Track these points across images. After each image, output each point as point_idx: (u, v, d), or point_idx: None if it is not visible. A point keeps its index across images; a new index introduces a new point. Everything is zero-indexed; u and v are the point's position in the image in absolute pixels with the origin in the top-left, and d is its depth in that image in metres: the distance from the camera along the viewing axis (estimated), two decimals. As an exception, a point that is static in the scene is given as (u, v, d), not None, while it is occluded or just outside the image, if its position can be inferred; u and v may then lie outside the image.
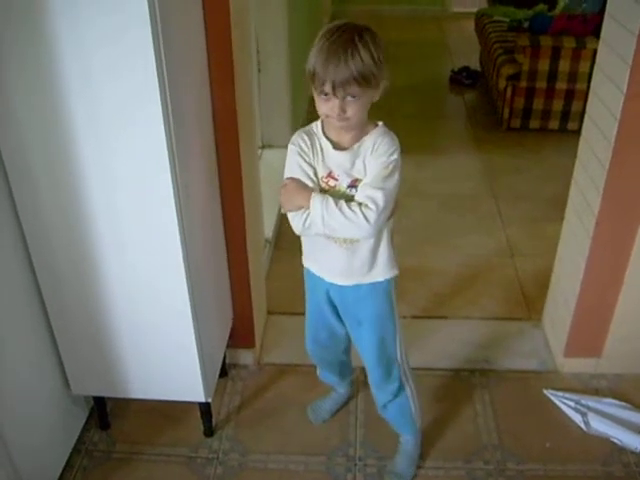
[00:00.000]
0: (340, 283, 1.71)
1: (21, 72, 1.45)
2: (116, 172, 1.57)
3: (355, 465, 2.02)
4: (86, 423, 2.17)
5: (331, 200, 1.51)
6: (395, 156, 1.54)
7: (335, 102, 1.44)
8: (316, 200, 1.51)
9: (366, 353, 1.84)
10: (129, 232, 1.66)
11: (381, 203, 1.50)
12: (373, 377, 1.88)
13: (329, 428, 2.14)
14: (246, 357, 2.38)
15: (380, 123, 1.59)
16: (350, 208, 1.50)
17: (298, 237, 1.67)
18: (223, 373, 2.33)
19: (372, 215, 1.50)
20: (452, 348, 2.45)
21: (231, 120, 1.91)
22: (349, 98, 1.44)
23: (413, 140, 3.97)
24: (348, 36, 1.42)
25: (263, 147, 3.76)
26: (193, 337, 1.82)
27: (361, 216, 1.49)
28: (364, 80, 1.42)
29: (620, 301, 2.15)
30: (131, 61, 1.42)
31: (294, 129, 3.53)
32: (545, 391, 2.24)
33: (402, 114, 4.48)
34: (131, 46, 1.40)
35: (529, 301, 2.66)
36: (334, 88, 1.42)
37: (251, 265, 2.17)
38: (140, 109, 1.48)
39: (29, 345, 1.84)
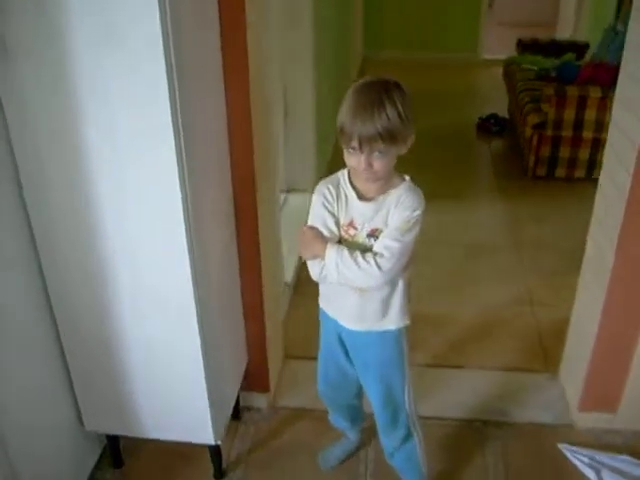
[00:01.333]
0: (352, 328, 1.73)
1: (39, 78, 1.49)
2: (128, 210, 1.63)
3: (362, 516, 2.01)
4: (99, 461, 2.19)
5: (346, 251, 1.55)
6: (418, 212, 1.57)
7: (361, 157, 1.49)
8: (331, 250, 1.56)
9: (373, 398, 1.86)
10: (143, 266, 1.71)
11: (396, 253, 1.54)
12: (380, 422, 1.90)
13: (337, 476, 2.14)
14: (260, 400, 2.39)
15: (407, 177, 1.63)
16: (364, 258, 1.54)
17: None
18: (236, 415, 2.35)
19: (385, 265, 1.53)
20: (466, 398, 2.43)
21: (248, 165, 1.96)
22: (375, 154, 1.49)
23: (438, 186, 4.03)
24: (376, 93, 1.47)
25: (288, 191, 3.81)
26: (203, 381, 1.84)
27: (374, 266, 1.53)
28: (390, 137, 1.46)
29: (636, 357, 2.12)
30: (147, 95, 1.48)
31: (319, 174, 3.65)
32: (559, 445, 2.21)
33: (428, 160, 4.50)
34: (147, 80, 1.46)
35: (547, 352, 2.64)
36: (361, 144, 1.46)
37: (267, 309, 2.20)
38: (155, 149, 1.53)
39: (44, 379, 1.88)
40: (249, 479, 2.14)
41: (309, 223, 1.65)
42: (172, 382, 1.88)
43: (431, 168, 4.41)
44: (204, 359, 1.81)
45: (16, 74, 1.48)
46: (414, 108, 1.50)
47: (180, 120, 1.51)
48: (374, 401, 1.86)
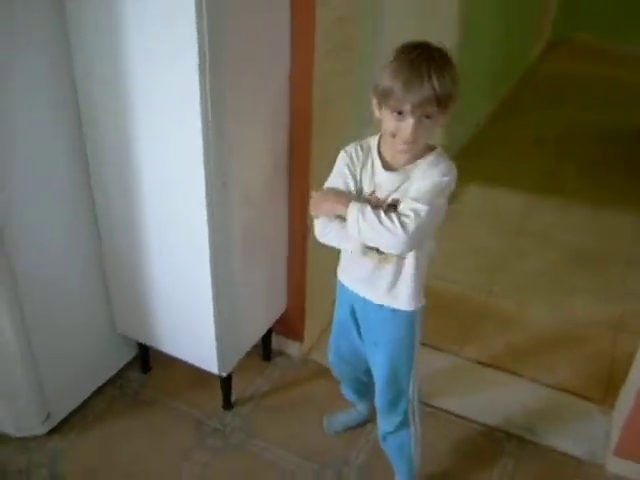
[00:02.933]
0: (362, 294, 1.69)
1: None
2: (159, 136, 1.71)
3: (343, 485, 1.99)
4: (131, 363, 2.35)
5: (369, 207, 1.48)
6: (447, 178, 1.48)
7: (409, 122, 1.41)
8: (354, 205, 1.50)
9: (377, 376, 1.82)
10: (170, 189, 1.78)
11: (424, 216, 1.44)
12: (380, 402, 1.85)
13: (336, 441, 2.13)
14: (292, 348, 2.42)
15: (438, 147, 1.54)
16: (389, 217, 1.46)
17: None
18: (267, 357, 2.40)
19: (410, 226, 1.44)
20: (502, 406, 2.30)
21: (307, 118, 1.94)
22: (424, 119, 1.42)
23: (575, 185, 3.77)
24: (429, 55, 1.40)
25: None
26: (211, 312, 1.91)
27: (398, 226, 1.44)
28: (445, 100, 1.40)
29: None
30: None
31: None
32: (576, 482, 2.03)
33: (579, 156, 4.24)
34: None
35: (611, 384, 2.40)
36: (413, 107, 1.39)
37: (311, 257, 2.18)
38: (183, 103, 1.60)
39: (85, 279, 2.06)
40: (252, 418, 2.19)
41: (328, 183, 1.61)
42: (187, 306, 1.97)
43: (580, 163, 4.12)
44: (214, 292, 1.87)
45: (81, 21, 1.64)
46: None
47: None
48: (378, 380, 1.81)
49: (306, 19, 1.81)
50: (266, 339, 2.36)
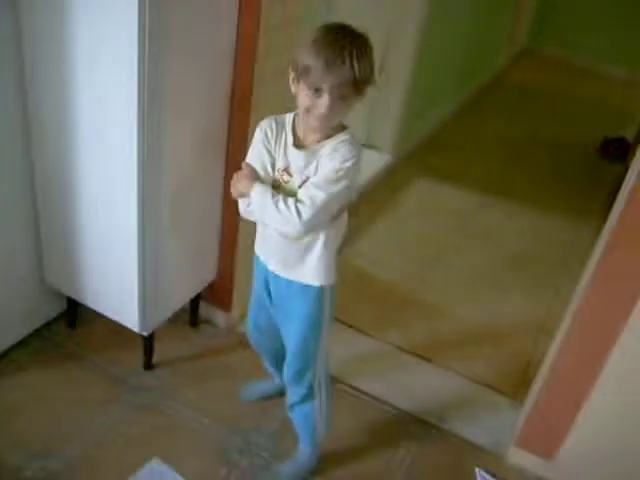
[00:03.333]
0: (275, 270, 1.73)
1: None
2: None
3: (249, 450, 2.04)
4: (60, 317, 2.38)
5: (269, 192, 1.54)
6: (348, 164, 1.52)
7: (325, 99, 1.45)
8: (257, 191, 1.55)
9: (287, 347, 1.87)
10: (104, 141, 1.82)
11: (319, 203, 1.50)
12: (287, 373, 1.90)
13: (249, 408, 2.19)
14: (219, 317, 2.47)
15: (348, 129, 1.59)
16: (286, 203, 1.51)
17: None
18: (194, 324, 2.44)
19: (306, 213, 1.50)
20: (415, 391, 2.37)
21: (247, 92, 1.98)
22: (339, 99, 1.46)
23: (524, 191, 3.86)
24: (351, 38, 1.44)
25: (364, 145, 3.77)
26: (135, 271, 1.94)
27: (294, 212, 1.50)
28: (362, 84, 1.45)
29: (587, 405, 1.95)
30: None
31: (400, 137, 3.58)
32: (476, 469, 2.11)
33: (534, 163, 4.34)
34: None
35: (525, 381, 2.47)
36: (331, 86, 1.44)
37: (242, 229, 2.22)
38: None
39: (18, 230, 2.08)
40: (170, 380, 2.24)
41: (248, 156, 1.65)
42: (113, 264, 2.01)
43: (532, 170, 4.22)
44: (139, 252, 1.91)
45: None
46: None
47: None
48: (288, 352, 1.87)
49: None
50: (194, 306, 2.41)
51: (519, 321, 2.80)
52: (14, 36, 1.78)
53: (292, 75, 1.51)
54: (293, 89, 1.52)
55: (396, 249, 3.16)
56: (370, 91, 1.51)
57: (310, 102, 1.48)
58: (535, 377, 2.25)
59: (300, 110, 1.55)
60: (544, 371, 2.09)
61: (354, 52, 1.41)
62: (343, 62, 1.41)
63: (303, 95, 1.49)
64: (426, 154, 4.18)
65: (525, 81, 5.94)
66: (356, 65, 1.41)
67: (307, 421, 1.95)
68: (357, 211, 3.29)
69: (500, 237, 3.40)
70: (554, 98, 5.56)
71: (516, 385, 2.44)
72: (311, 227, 1.55)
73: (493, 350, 2.61)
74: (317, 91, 1.46)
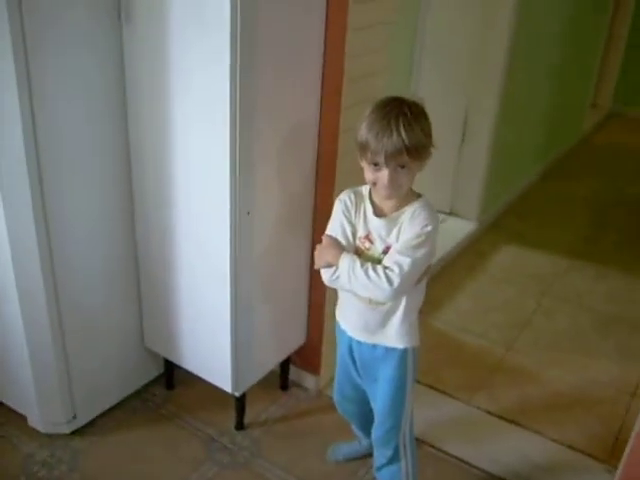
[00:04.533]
0: (357, 338, 1.82)
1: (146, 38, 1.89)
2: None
3: (335, 512, 2.08)
4: (158, 379, 2.52)
5: (358, 261, 1.63)
6: (429, 229, 1.62)
7: (385, 172, 1.57)
8: (345, 259, 1.64)
9: (375, 410, 1.92)
10: (198, 216, 1.99)
11: (406, 268, 1.59)
12: (375, 434, 1.95)
13: (335, 469, 2.23)
14: (309, 381, 2.54)
15: (423, 195, 1.68)
16: (375, 271, 1.60)
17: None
18: (285, 387, 2.54)
19: (396, 279, 1.58)
20: (503, 455, 2.34)
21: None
22: (399, 169, 1.57)
23: (613, 253, 3.80)
24: (399, 109, 1.55)
25: (450, 213, 3.85)
26: (229, 336, 2.07)
27: (384, 279, 1.59)
28: (415, 150, 1.54)
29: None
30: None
31: (484, 204, 3.63)
32: (569, 536, 2.06)
33: (622, 225, 4.27)
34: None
35: (618, 445, 2.41)
36: (386, 158, 1.54)
37: (329, 293, 2.31)
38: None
39: (121, 295, 2.26)
40: (262, 440, 2.32)
41: (328, 229, 1.75)
42: (207, 328, 2.14)
43: (622, 232, 4.16)
44: (232, 318, 2.04)
45: (134, 35, 1.87)
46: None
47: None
48: (375, 413, 1.92)
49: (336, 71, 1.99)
50: (284, 369, 2.50)
51: (610, 384, 2.74)
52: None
53: (358, 152, 1.62)
54: (361, 164, 1.63)
55: (483, 315, 3.17)
56: (433, 154, 1.61)
57: (373, 176, 1.59)
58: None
59: (369, 184, 1.66)
60: (633, 437, 2.04)
61: (401, 121, 1.51)
62: (391, 133, 1.51)
63: (366, 170, 1.61)
64: (512, 220, 4.20)
65: (611, 143, 5.89)
66: (404, 133, 1.50)
67: (394, 484, 1.97)
68: (444, 278, 3.35)
69: (589, 300, 3.35)
70: (641, 160, 5.48)
71: (609, 450, 2.38)
72: (401, 292, 1.63)
73: (584, 415, 2.56)
74: (376, 165, 1.56)
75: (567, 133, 5.27)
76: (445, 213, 3.82)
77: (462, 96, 3.51)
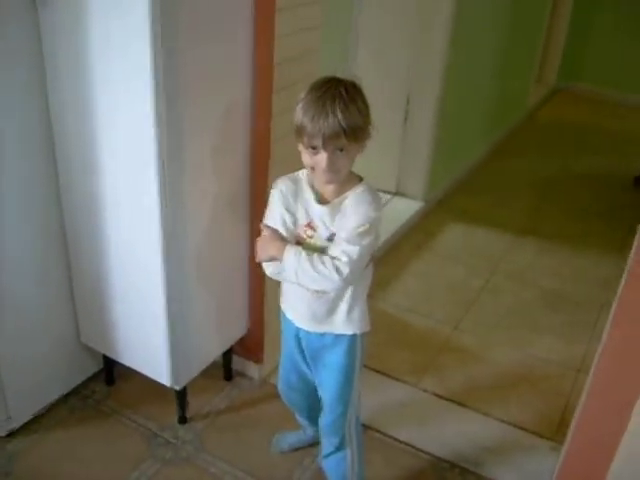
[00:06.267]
0: (305, 328, 1.77)
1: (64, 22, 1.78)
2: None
3: (282, 502, 2.05)
4: (97, 375, 2.45)
5: (304, 254, 1.56)
6: (373, 214, 1.57)
7: (324, 155, 1.50)
8: (289, 253, 1.57)
9: (323, 397, 1.88)
10: (128, 203, 1.91)
11: (355, 257, 1.54)
12: (324, 422, 1.91)
13: (281, 459, 2.19)
14: (252, 370, 2.50)
15: (364, 180, 1.63)
16: (323, 262, 1.54)
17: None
18: (229, 377, 2.48)
19: (344, 269, 1.53)
20: (451, 437, 2.34)
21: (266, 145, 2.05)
22: (337, 152, 1.50)
23: (558, 228, 3.83)
24: (335, 90, 1.48)
25: (396, 193, 3.82)
26: (165, 326, 2.00)
27: (333, 270, 1.53)
28: (353, 133, 1.48)
29: (620, 449, 1.90)
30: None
31: (430, 183, 3.62)
32: (515, 515, 2.06)
33: (568, 201, 4.31)
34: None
35: (564, 422, 2.43)
36: (324, 141, 1.48)
37: (269, 282, 2.26)
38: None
39: (53, 290, 2.17)
40: (204, 434, 2.27)
41: (265, 219, 1.68)
42: (142, 321, 2.07)
43: (567, 207, 4.20)
44: (166, 309, 1.97)
45: (51, 18, 1.76)
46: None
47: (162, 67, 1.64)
48: (324, 401, 1.89)
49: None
50: (227, 359, 2.45)
51: (555, 361, 2.76)
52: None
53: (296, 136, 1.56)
54: (299, 148, 1.57)
55: (429, 295, 3.16)
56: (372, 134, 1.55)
57: (311, 160, 1.53)
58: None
59: (307, 169, 1.60)
60: (577, 413, 2.05)
61: (337, 102, 1.45)
62: (327, 116, 1.45)
63: (304, 154, 1.55)
64: (458, 198, 4.19)
65: (556, 119, 5.94)
66: (340, 115, 1.44)
67: (338, 472, 1.95)
68: (390, 258, 3.32)
69: (535, 277, 3.37)
70: (586, 134, 5.54)
71: (555, 428, 2.40)
72: (350, 282, 1.59)
73: (530, 393, 2.57)
74: (314, 149, 1.50)
75: (512, 109, 5.29)
76: (391, 193, 3.79)
77: (404, 74, 3.47)
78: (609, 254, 3.57)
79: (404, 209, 3.73)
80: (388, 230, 3.43)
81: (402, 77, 3.48)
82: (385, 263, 3.28)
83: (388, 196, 3.76)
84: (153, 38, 1.59)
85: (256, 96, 2.00)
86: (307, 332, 1.77)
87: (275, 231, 1.64)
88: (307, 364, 1.86)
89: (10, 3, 1.72)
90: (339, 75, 1.52)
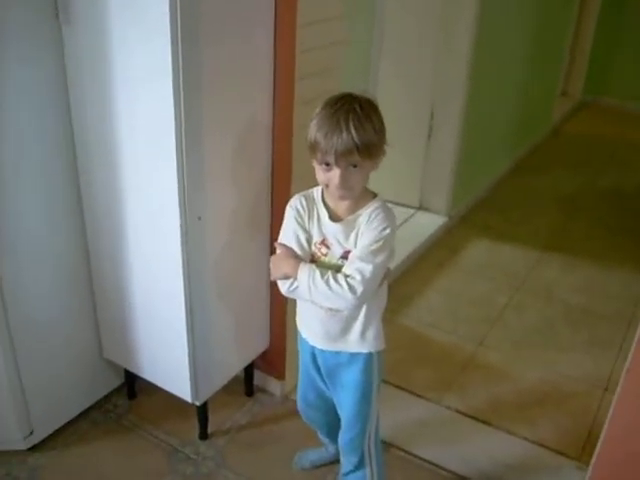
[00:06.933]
0: (319, 346, 1.76)
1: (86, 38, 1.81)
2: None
3: (303, 520, 2.03)
4: (119, 389, 2.46)
5: (318, 271, 1.55)
6: (387, 232, 1.56)
7: (336, 172, 1.49)
8: (303, 271, 1.56)
9: (342, 416, 1.87)
10: (150, 219, 1.92)
11: (368, 276, 1.53)
12: (342, 440, 1.90)
13: (303, 477, 2.18)
14: (274, 386, 2.49)
15: (378, 196, 1.62)
16: (337, 281, 1.53)
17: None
18: (250, 393, 2.48)
19: (359, 287, 1.52)
20: (474, 455, 2.30)
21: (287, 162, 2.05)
22: (351, 168, 1.50)
23: (584, 245, 3.78)
24: (349, 106, 1.47)
25: (419, 209, 3.81)
26: (185, 344, 2.00)
27: (347, 289, 1.52)
28: (366, 149, 1.47)
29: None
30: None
31: (454, 198, 3.60)
32: (540, 536, 2.02)
33: (593, 217, 4.25)
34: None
35: (591, 441, 2.38)
36: (337, 157, 1.47)
37: (291, 299, 2.26)
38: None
39: (75, 306, 2.19)
40: (226, 450, 2.26)
41: (280, 237, 1.68)
42: (164, 337, 2.07)
43: (594, 222, 4.15)
44: (187, 326, 1.97)
45: (74, 34, 1.79)
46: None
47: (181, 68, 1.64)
48: (342, 420, 1.87)
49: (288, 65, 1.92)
50: (248, 375, 2.44)
51: (582, 379, 2.71)
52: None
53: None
54: (313, 165, 1.57)
55: (453, 311, 3.13)
56: (387, 151, 1.54)
57: (325, 177, 1.52)
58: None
59: (321, 186, 1.59)
60: (603, 433, 2.01)
61: (350, 120, 1.44)
62: (341, 132, 1.44)
63: (317, 171, 1.54)
64: (482, 214, 4.16)
65: (581, 133, 5.89)
66: (354, 132, 1.43)
67: (359, 491, 1.93)
68: (413, 273, 3.31)
69: (559, 293, 3.33)
70: (612, 148, 5.49)
71: (581, 447, 2.35)
72: (364, 300, 1.57)
73: (555, 411, 2.53)
74: (327, 165, 1.50)
75: (537, 123, 5.25)
76: (414, 207, 3.77)
77: (428, 89, 3.46)
78: (636, 270, 3.52)
79: (427, 224, 3.71)
80: (411, 245, 3.42)
81: (426, 92, 3.48)
82: (408, 279, 3.26)
83: (411, 211, 3.74)
84: (174, 59, 1.61)
85: (277, 111, 2.01)
86: (322, 351, 1.76)
87: (289, 249, 1.63)
88: (324, 382, 1.85)
89: (34, 21, 1.75)
90: (356, 92, 1.52)
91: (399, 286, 3.17)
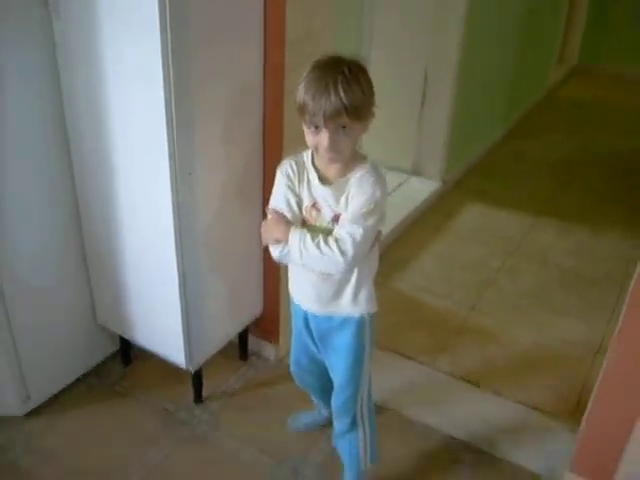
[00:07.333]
0: (312, 311, 1.76)
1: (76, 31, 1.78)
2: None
3: (297, 480, 2.06)
4: (115, 355, 2.47)
5: (309, 235, 1.55)
6: (378, 195, 1.55)
7: (325, 134, 1.48)
8: (294, 235, 1.56)
9: (334, 378, 1.88)
10: (140, 184, 1.90)
11: (359, 239, 1.52)
12: (335, 403, 1.91)
13: (297, 439, 2.20)
14: (269, 351, 2.50)
15: (368, 159, 1.61)
16: (327, 244, 1.53)
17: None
18: (244, 357, 2.49)
19: (349, 250, 1.52)
20: (466, 418, 2.33)
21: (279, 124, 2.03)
22: (340, 130, 1.48)
23: (578, 209, 3.78)
24: (338, 69, 1.45)
25: (413, 173, 3.80)
26: (179, 309, 2.01)
27: (337, 252, 1.52)
28: (355, 111, 1.45)
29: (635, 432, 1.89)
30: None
31: (448, 163, 3.59)
32: (530, 496, 2.06)
33: (588, 179, 4.25)
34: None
35: (581, 404, 2.41)
36: (325, 119, 1.46)
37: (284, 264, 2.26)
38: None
39: (69, 272, 2.19)
40: (220, 413, 2.28)
41: (271, 201, 1.67)
42: (157, 302, 2.08)
43: (584, 185, 4.14)
44: (180, 291, 1.97)
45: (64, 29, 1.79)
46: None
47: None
48: (335, 383, 1.89)
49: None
50: (243, 340, 2.45)
51: (574, 342, 2.74)
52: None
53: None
54: (303, 128, 1.55)
55: (447, 275, 3.14)
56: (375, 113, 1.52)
57: (314, 140, 1.51)
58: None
59: (311, 149, 1.58)
60: (594, 394, 2.03)
61: (339, 81, 1.42)
62: (329, 93, 1.42)
63: (307, 134, 1.53)
64: (476, 179, 4.16)
65: (577, 98, 5.86)
66: (343, 93, 1.42)
67: (351, 452, 1.95)
68: (408, 238, 3.31)
69: (554, 258, 3.34)
70: (606, 113, 5.47)
71: (572, 409, 2.38)
72: (355, 263, 1.57)
73: (548, 374, 2.55)
74: (317, 128, 1.48)
75: (532, 89, 5.22)
76: (408, 173, 3.76)
77: (421, 54, 3.43)
78: (629, 235, 3.53)
79: (421, 189, 3.70)
80: (405, 210, 3.41)
81: (420, 57, 3.44)
82: (402, 243, 3.27)
83: (405, 176, 3.73)
84: (162, 22, 1.58)
85: (267, 75, 1.98)
86: (315, 314, 1.76)
87: (280, 214, 1.63)
88: (316, 346, 1.86)
89: (26, 16, 1.75)
90: (345, 54, 1.49)
91: (393, 250, 3.18)
